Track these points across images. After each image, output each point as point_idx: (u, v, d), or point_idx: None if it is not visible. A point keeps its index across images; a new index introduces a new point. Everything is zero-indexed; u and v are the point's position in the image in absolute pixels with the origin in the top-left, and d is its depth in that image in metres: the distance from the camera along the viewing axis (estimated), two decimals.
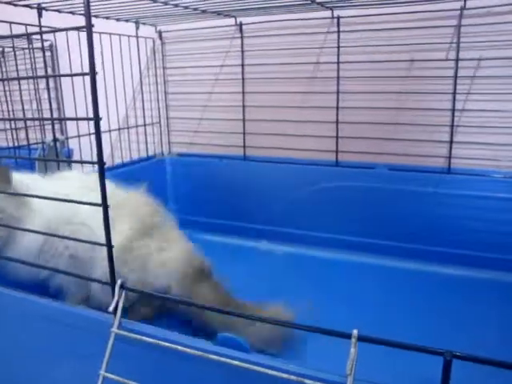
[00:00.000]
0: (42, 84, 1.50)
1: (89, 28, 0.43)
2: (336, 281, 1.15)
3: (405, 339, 0.39)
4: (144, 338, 0.48)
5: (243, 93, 1.42)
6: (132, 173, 1.39)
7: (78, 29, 0.44)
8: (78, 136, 1.24)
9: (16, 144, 1.43)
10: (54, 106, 1.55)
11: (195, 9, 1.20)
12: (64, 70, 1.48)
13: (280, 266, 1.24)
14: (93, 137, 1.30)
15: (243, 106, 1.43)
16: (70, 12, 1.20)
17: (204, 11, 1.24)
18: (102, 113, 1.36)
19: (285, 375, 0.40)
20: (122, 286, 0.51)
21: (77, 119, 0.47)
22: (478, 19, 1.14)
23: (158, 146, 1.58)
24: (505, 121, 1.16)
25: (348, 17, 1.25)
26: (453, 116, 1.21)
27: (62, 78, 1.44)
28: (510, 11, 1.10)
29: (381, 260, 1.23)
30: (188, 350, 0.44)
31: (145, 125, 1.50)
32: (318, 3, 1.15)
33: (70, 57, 1.30)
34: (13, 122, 1.52)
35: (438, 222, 1.21)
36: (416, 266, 1.20)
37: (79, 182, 0.86)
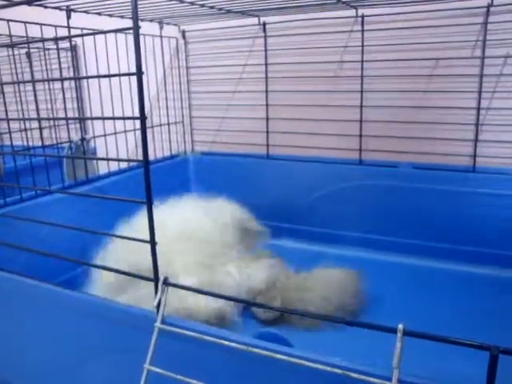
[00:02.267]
0: (64, 84, 1.52)
1: (136, 30, 0.44)
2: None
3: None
4: (186, 332, 0.49)
5: (266, 91, 1.43)
6: (156, 171, 1.40)
7: (123, 30, 0.45)
8: (105, 135, 1.26)
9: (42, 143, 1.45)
10: (76, 105, 1.57)
11: (220, 9, 1.21)
12: (89, 69, 1.50)
13: (305, 263, 1.25)
14: (118, 136, 1.32)
15: (267, 105, 1.44)
16: (97, 13, 1.22)
17: (229, 11, 1.25)
18: (126, 111, 1.38)
19: (329, 368, 0.40)
20: (164, 282, 0.52)
21: (123, 118, 0.48)
22: (506, 16, 1.13)
23: (181, 145, 1.59)
24: None
25: (372, 15, 1.25)
26: (478, 114, 1.20)
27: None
28: None
29: (404, 258, 1.24)
30: (232, 343, 0.45)
31: (168, 124, 1.51)
32: (344, 2, 1.15)
33: (96, 57, 1.32)
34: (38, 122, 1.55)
35: (462, 221, 1.21)
36: (440, 264, 1.20)
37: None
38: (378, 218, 1.30)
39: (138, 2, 1.09)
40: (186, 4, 1.13)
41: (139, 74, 0.45)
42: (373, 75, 1.29)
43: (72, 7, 1.12)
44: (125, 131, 1.31)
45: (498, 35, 1.15)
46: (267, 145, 1.46)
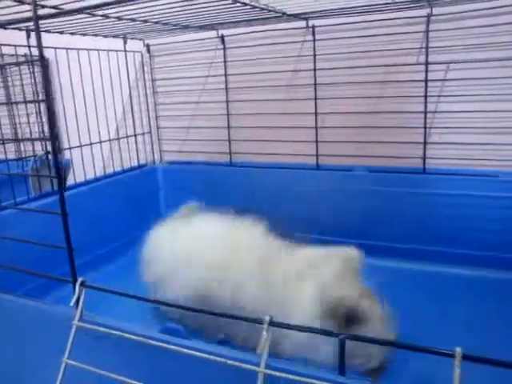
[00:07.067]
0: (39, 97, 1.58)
1: (42, 62, 0.49)
2: None
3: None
4: (100, 328, 0.54)
5: (227, 101, 1.49)
6: (125, 181, 1.46)
7: (32, 61, 0.51)
8: (69, 148, 1.31)
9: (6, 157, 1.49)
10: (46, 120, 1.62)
11: (175, 25, 1.27)
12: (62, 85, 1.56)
13: None
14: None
15: (227, 114, 1.50)
16: (60, 32, 1.27)
17: (186, 26, 1.31)
18: (92, 125, 1.43)
19: (212, 357, 0.46)
20: (82, 284, 0.57)
21: (33, 139, 0.54)
22: (445, 24, 1.19)
23: (149, 155, 1.65)
24: (474, 121, 1.21)
25: (322, 26, 1.31)
26: (425, 118, 1.26)
27: (62, 91, 1.51)
28: (472, 16, 1.16)
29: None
30: (132, 336, 0.51)
31: (135, 135, 1.57)
32: (290, 15, 1.21)
33: (70, 73, 1.38)
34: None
35: (417, 221, 1.25)
36: (395, 264, 1.23)
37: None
38: (337, 221, 1.34)
39: (98, 22, 1.15)
40: (138, 22, 1.18)
41: (48, 101, 0.50)
42: (326, 83, 1.35)
43: (32, 28, 1.17)
44: (90, 144, 1.37)
45: (439, 42, 1.21)
46: (230, 153, 1.52)
